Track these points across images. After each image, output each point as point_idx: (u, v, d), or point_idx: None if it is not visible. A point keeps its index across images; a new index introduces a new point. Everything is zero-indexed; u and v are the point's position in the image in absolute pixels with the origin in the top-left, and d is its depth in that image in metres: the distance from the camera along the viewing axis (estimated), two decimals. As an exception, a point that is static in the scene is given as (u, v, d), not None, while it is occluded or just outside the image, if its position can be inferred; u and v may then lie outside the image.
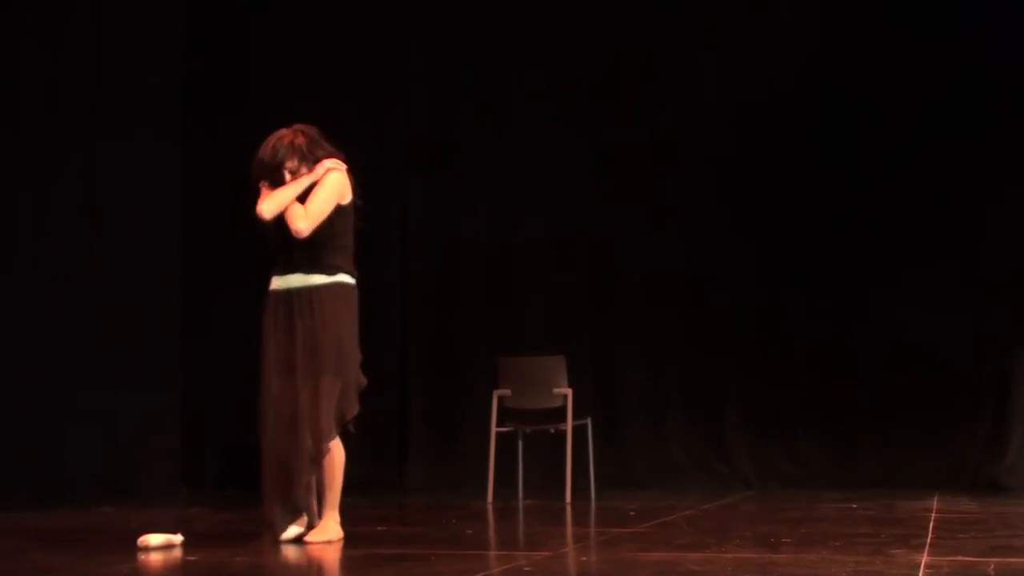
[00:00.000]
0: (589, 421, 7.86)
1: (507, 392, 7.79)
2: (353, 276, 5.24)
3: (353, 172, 5.33)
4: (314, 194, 5.18)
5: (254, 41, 9.30)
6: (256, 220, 5.20)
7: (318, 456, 5.09)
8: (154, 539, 5.04)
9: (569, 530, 6.02)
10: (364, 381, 5.23)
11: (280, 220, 5.19)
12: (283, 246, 5.20)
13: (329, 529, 5.17)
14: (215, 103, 9.12)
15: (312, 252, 5.15)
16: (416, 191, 9.15)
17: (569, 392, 7.68)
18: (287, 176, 5.19)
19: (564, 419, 7.65)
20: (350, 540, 5.17)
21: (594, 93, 8.89)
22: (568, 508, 7.19)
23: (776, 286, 8.56)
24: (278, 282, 5.21)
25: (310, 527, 5.23)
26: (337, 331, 5.11)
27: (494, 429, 7.75)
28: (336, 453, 5.16)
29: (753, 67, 8.57)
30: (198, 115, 8.97)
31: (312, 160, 5.24)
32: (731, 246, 8.65)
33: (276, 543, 5.10)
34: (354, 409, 5.18)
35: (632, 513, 6.53)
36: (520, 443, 7.96)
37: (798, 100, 8.53)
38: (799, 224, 8.54)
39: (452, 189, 9.08)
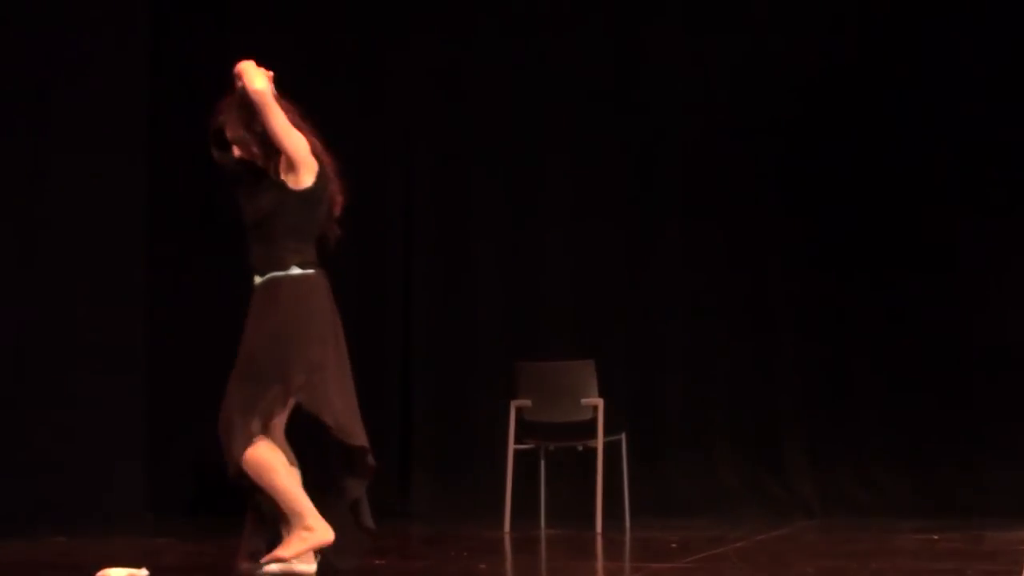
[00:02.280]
0: (623, 437, 7.85)
1: (527, 403, 7.78)
2: (286, 268, 5.27)
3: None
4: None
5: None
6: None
7: (232, 466, 5.18)
8: (115, 574, 5.05)
9: (600, 565, 6.03)
10: (298, 382, 5.20)
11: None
12: None
13: (291, 545, 5.17)
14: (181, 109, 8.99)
15: (252, 250, 5.36)
16: (421, 171, 9.13)
17: (599, 403, 7.67)
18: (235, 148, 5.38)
19: (594, 434, 7.64)
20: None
21: (626, 69, 8.87)
22: (598, 539, 7.20)
23: (841, 281, 8.53)
24: None
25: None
26: (256, 334, 5.27)
27: (512, 446, 7.75)
28: (254, 461, 5.15)
29: (793, 50, 8.55)
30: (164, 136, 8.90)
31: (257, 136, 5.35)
32: (789, 237, 8.63)
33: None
34: (270, 416, 5.21)
35: (674, 546, 6.53)
36: (542, 462, 7.96)
37: (851, 83, 8.52)
38: (871, 215, 8.51)
39: (463, 170, 9.06)
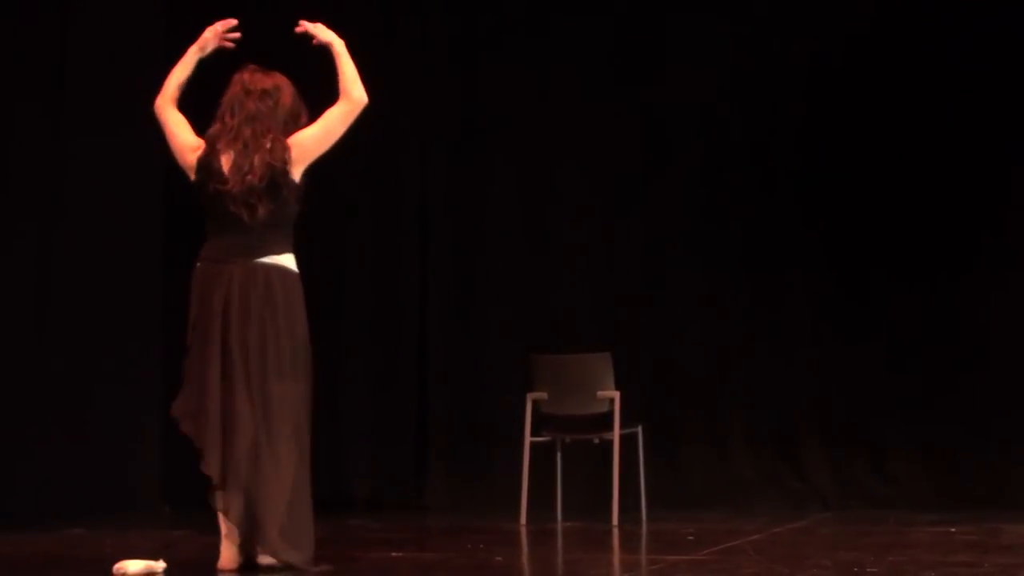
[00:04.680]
0: (639, 429, 7.87)
1: (543, 395, 7.79)
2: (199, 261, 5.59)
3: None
4: None
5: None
6: None
7: None
8: (132, 566, 5.08)
9: (616, 558, 6.04)
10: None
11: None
12: None
13: None
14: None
15: None
16: (436, 164, 9.14)
17: (616, 396, 7.68)
18: None
19: (610, 427, 7.65)
20: (360, 568, 5.19)
21: (642, 52, 8.87)
22: (615, 531, 7.20)
23: (859, 272, 8.53)
24: None
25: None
26: None
27: (528, 439, 7.76)
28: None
29: (814, 42, 8.54)
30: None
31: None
32: (807, 227, 8.61)
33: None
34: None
35: (690, 538, 6.54)
36: (558, 455, 7.97)
37: (870, 77, 8.50)
38: (886, 205, 8.49)
39: (478, 157, 9.07)
